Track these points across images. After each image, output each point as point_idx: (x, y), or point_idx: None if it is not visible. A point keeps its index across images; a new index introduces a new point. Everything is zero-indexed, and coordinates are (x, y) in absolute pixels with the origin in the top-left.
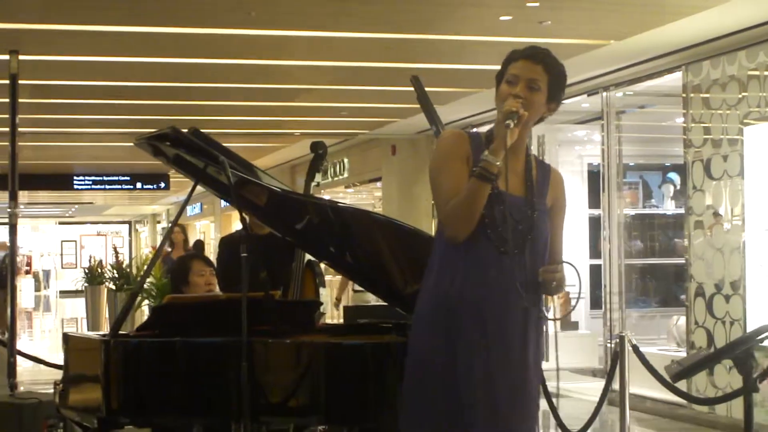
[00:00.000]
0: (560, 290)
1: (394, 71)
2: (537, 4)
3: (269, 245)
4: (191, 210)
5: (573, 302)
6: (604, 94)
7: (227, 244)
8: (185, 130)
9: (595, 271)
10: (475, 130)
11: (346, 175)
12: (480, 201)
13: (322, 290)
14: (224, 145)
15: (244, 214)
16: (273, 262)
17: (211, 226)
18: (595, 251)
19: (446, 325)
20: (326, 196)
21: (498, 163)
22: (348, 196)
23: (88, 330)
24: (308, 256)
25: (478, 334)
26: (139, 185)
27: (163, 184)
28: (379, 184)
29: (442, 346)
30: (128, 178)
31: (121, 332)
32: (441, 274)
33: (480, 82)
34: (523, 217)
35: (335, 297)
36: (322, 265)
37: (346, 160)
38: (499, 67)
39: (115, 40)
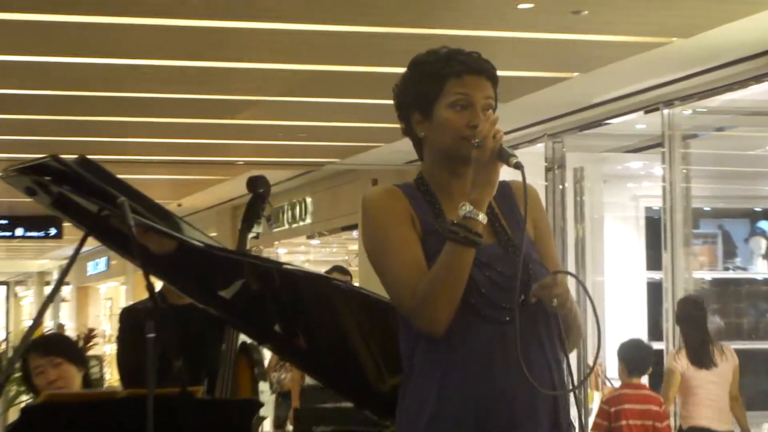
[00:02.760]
0: (565, 308)
1: (376, 78)
2: None
3: (189, 321)
4: (93, 267)
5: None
6: (666, 111)
7: (130, 318)
8: (73, 158)
9: (656, 358)
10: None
11: (308, 220)
12: (464, 274)
13: (262, 385)
14: (133, 178)
15: (150, 278)
16: (194, 344)
17: (122, 289)
18: (655, 330)
19: None
20: (281, 251)
21: (484, 220)
22: (312, 251)
23: None
24: (244, 338)
25: None
26: (20, 232)
27: (53, 231)
28: (354, 233)
29: None
30: (6, 222)
31: None
32: (425, 384)
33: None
34: (512, 268)
35: (292, 406)
36: (265, 351)
37: (308, 201)
38: (518, 73)
39: None
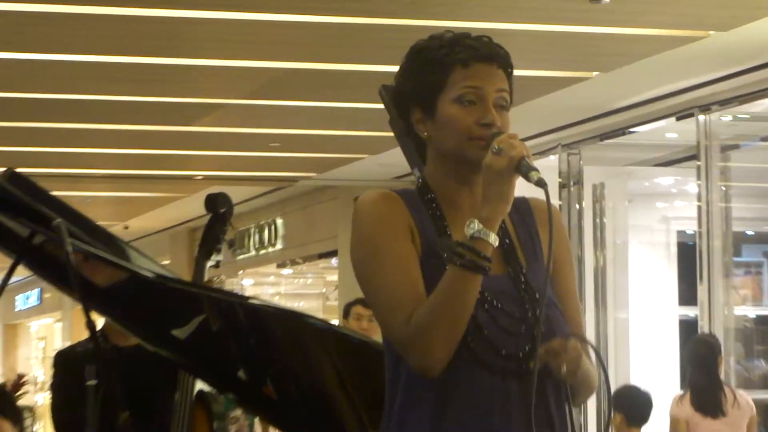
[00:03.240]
0: (576, 377)
1: (360, 78)
2: None
3: (136, 365)
4: (23, 302)
5: None
6: (702, 117)
7: (66, 362)
8: None
9: None
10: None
11: (278, 246)
12: (468, 305)
13: None
14: (71, 195)
15: (91, 314)
16: (142, 393)
17: (57, 327)
18: None
19: None
20: (246, 282)
21: (495, 241)
22: (283, 282)
23: None
24: (201, 385)
25: None
26: None
27: None
28: (333, 261)
29: None
30: None
31: None
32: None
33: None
34: (522, 309)
35: None
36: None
37: (279, 223)
38: (527, 73)
39: None
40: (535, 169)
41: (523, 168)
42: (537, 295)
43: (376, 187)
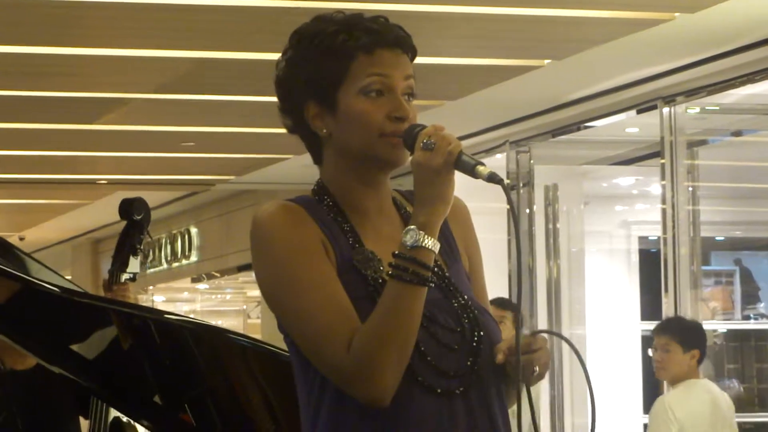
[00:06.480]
0: (544, 373)
1: None
2: None
3: (36, 390)
4: None
5: None
6: (666, 110)
7: None
8: None
9: None
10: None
11: (193, 258)
12: (415, 323)
13: None
14: None
15: None
16: (44, 422)
17: None
18: (653, 395)
19: None
20: (158, 299)
21: (436, 247)
22: (199, 298)
23: None
24: (115, 413)
25: None
26: None
27: None
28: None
29: None
30: None
31: None
32: None
33: (447, 83)
34: (456, 318)
35: None
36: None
37: (193, 232)
38: (470, 62)
39: None
40: (481, 163)
41: (466, 163)
42: (465, 298)
43: (301, 190)
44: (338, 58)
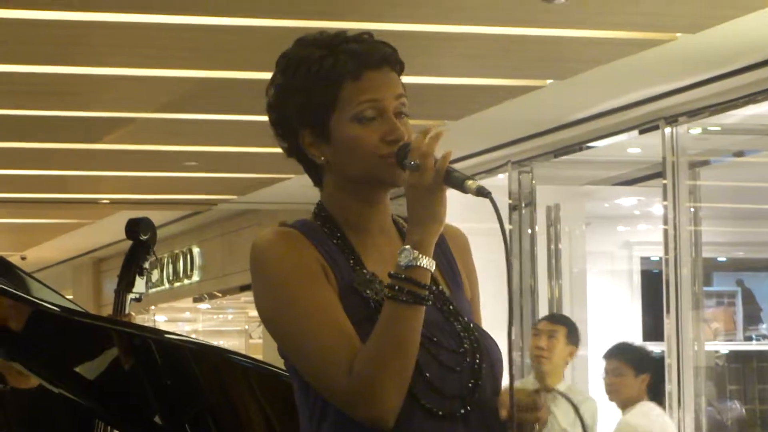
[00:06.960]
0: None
1: None
2: None
3: (37, 410)
4: None
5: None
6: (668, 130)
7: None
8: None
9: None
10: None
11: (195, 278)
12: (414, 343)
13: None
14: None
15: None
16: None
17: None
18: None
19: None
20: (159, 318)
21: (432, 265)
22: (201, 318)
23: None
24: None
25: None
26: None
27: None
28: None
29: None
30: None
31: None
32: None
33: (449, 103)
34: (458, 340)
35: None
36: None
37: (195, 252)
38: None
39: None
40: (470, 178)
41: (456, 179)
42: (467, 319)
43: (303, 210)
44: (327, 85)
